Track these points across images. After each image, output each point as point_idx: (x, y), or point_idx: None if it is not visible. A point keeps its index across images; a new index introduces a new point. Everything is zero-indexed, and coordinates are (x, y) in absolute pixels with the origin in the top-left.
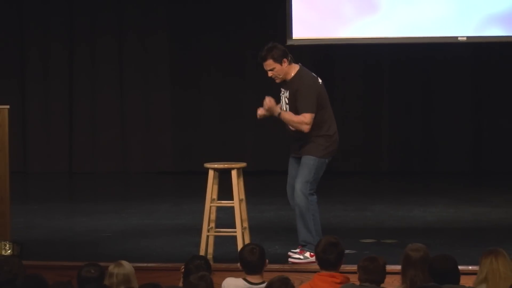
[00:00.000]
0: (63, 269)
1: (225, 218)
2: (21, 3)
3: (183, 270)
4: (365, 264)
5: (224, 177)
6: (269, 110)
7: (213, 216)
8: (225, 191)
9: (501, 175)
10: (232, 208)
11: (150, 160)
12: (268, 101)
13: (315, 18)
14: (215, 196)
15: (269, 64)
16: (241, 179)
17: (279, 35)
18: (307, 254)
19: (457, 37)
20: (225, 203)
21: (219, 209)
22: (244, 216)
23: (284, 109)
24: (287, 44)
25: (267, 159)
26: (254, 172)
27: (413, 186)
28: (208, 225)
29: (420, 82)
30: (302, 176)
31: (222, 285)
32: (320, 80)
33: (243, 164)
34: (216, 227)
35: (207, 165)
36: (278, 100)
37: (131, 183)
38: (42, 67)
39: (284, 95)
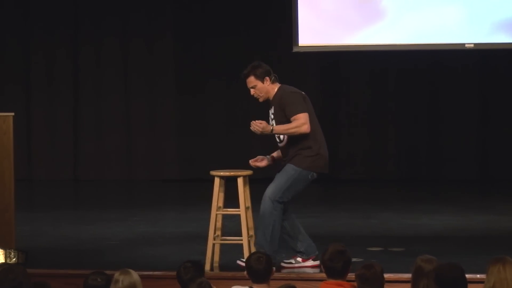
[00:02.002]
0: (68, 277)
1: (231, 226)
2: (26, 9)
3: None
4: (362, 272)
5: (230, 185)
6: (263, 132)
7: (219, 224)
8: (231, 199)
9: (508, 182)
10: (238, 216)
11: (156, 168)
12: (258, 125)
13: (322, 25)
14: (221, 204)
15: (251, 81)
16: (247, 186)
17: (285, 42)
18: (299, 259)
19: (464, 44)
20: (231, 211)
21: (225, 217)
22: (251, 224)
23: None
24: (293, 51)
25: (274, 167)
26: (260, 179)
27: (420, 194)
28: (214, 233)
29: (427, 89)
30: (277, 182)
31: None
32: (304, 94)
33: (249, 172)
34: (222, 235)
35: (213, 172)
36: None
37: (137, 191)
38: (47, 73)
39: (270, 113)
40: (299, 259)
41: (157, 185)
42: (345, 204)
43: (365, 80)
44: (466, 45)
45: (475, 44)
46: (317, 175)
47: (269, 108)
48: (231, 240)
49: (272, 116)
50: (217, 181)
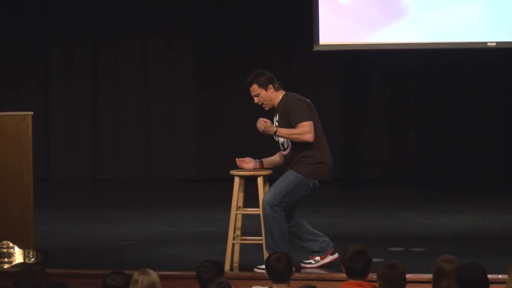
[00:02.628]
0: (87, 277)
1: (251, 225)
2: (45, 8)
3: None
4: (385, 272)
5: (250, 184)
6: (265, 131)
7: (239, 224)
8: (251, 199)
9: None
10: (258, 215)
11: (175, 167)
12: (262, 123)
13: (342, 23)
14: (241, 203)
15: (254, 89)
16: (267, 186)
17: (305, 41)
18: (318, 257)
19: (486, 42)
20: (251, 210)
21: (245, 216)
22: None
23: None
24: (313, 49)
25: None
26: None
27: (441, 194)
28: (234, 232)
29: (448, 88)
30: (276, 186)
31: None
32: (309, 101)
33: (269, 172)
34: (242, 234)
35: (233, 172)
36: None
37: (156, 191)
38: (66, 72)
39: (275, 120)
40: (317, 258)
41: (176, 185)
42: (365, 204)
43: (386, 79)
44: (488, 44)
45: (497, 42)
46: (320, 184)
47: (274, 115)
48: (251, 240)
49: (277, 124)
50: (236, 180)
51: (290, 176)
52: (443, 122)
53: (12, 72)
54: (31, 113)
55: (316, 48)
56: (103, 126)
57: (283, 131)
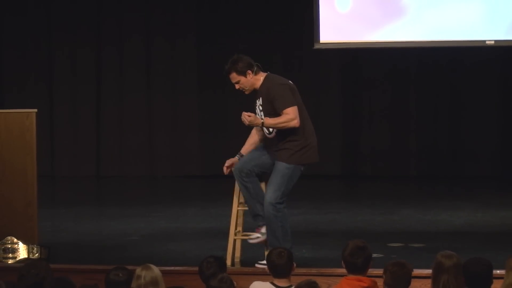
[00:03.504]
0: (90, 273)
1: (252, 222)
2: (49, 7)
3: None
4: (395, 269)
5: None
6: (251, 124)
7: (240, 220)
8: None
9: None
10: None
11: (178, 164)
12: (246, 117)
13: (343, 22)
14: (242, 199)
15: (234, 77)
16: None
17: (306, 39)
18: (264, 229)
19: (485, 40)
20: None
21: (247, 212)
22: None
23: (260, 117)
24: (314, 47)
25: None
26: None
27: (440, 191)
28: (236, 228)
29: (447, 86)
30: (274, 185)
31: None
32: (292, 83)
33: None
34: (244, 230)
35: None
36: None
37: (159, 187)
38: (70, 71)
39: (258, 103)
40: (263, 230)
41: (179, 181)
42: (366, 200)
43: (386, 76)
44: (487, 42)
45: (495, 41)
46: (308, 165)
47: (256, 98)
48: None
49: (261, 108)
50: None
51: (282, 169)
52: (442, 120)
53: (18, 71)
54: (35, 110)
55: (317, 46)
56: (107, 123)
57: (270, 121)
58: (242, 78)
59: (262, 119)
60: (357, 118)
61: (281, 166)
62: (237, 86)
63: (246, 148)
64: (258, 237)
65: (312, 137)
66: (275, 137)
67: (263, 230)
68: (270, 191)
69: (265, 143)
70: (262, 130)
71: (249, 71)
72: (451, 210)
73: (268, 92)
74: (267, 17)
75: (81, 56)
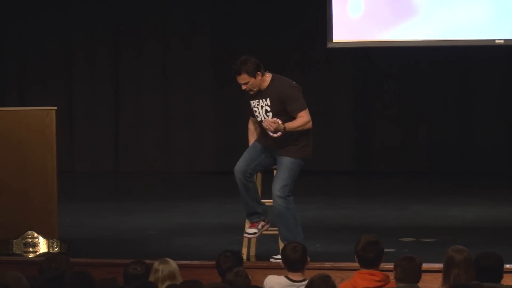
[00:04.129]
0: (109, 267)
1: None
2: (69, 7)
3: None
4: (403, 263)
5: (266, 177)
6: (276, 130)
7: None
8: (267, 191)
9: None
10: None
11: (194, 160)
12: (272, 125)
13: (355, 21)
14: (259, 195)
15: (244, 78)
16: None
17: (319, 38)
18: (262, 223)
19: (494, 40)
20: (267, 202)
21: None
22: None
23: (265, 117)
24: (327, 46)
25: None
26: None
27: (451, 186)
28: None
29: (457, 84)
30: (281, 179)
31: (265, 282)
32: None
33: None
34: None
35: None
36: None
37: (175, 183)
38: (88, 69)
39: (262, 104)
40: (260, 226)
41: (195, 177)
42: (377, 196)
43: (397, 74)
44: (496, 41)
45: (504, 40)
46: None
47: (258, 98)
48: (267, 230)
49: (269, 108)
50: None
51: (289, 164)
52: (453, 117)
53: (38, 70)
54: (55, 108)
55: (330, 45)
56: (125, 120)
57: (290, 126)
58: (252, 80)
59: (283, 124)
60: (369, 115)
61: (287, 161)
62: (244, 87)
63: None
64: (255, 233)
65: (312, 135)
66: (282, 136)
67: (260, 226)
68: (278, 185)
69: (266, 142)
70: (261, 128)
71: (259, 72)
72: (462, 205)
73: (281, 93)
74: (280, 16)
75: (99, 55)
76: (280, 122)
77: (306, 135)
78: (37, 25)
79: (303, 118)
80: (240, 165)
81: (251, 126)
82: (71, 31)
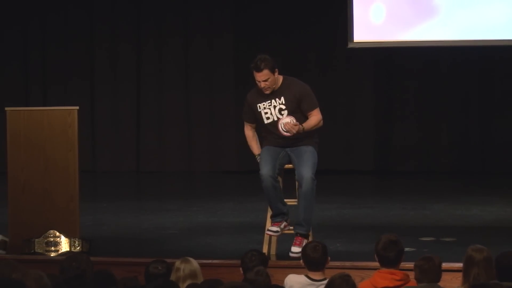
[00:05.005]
0: (130, 265)
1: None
2: (91, 7)
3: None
4: (421, 263)
5: (287, 176)
6: (298, 132)
7: None
8: (288, 189)
9: None
10: (294, 206)
11: (215, 160)
12: (295, 128)
13: (376, 21)
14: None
15: (265, 74)
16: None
17: (340, 38)
18: (285, 223)
19: None
20: (288, 201)
21: None
22: None
23: (278, 117)
24: (348, 46)
25: (328, 159)
26: (318, 171)
27: (471, 186)
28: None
29: (478, 83)
30: (309, 162)
31: (285, 281)
32: None
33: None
34: None
35: None
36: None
37: (196, 182)
38: (110, 69)
39: (275, 103)
40: (282, 226)
41: (216, 177)
42: (398, 196)
43: (418, 74)
44: None
45: None
46: None
47: (271, 98)
48: (288, 230)
49: (283, 107)
50: None
51: (310, 149)
52: (473, 116)
53: (60, 70)
54: (77, 107)
55: (350, 45)
56: (146, 120)
57: (308, 126)
58: (272, 76)
59: (302, 125)
60: (390, 115)
61: (309, 148)
62: (263, 84)
63: (257, 148)
64: (277, 231)
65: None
66: (294, 135)
67: (282, 225)
68: (307, 168)
69: (277, 142)
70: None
71: (276, 70)
72: (482, 205)
73: (297, 91)
74: (301, 16)
75: (121, 54)
76: (299, 124)
77: (316, 131)
78: (59, 25)
79: (317, 117)
80: (266, 168)
81: (249, 132)
82: (93, 31)
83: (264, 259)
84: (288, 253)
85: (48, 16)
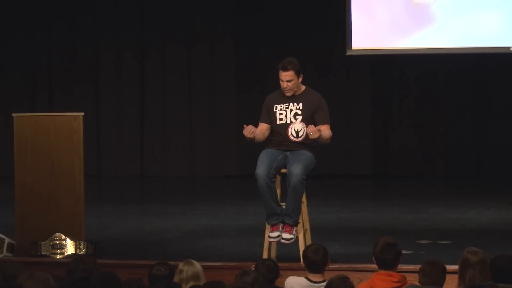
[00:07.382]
0: (134, 268)
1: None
2: (95, 15)
3: (253, 267)
4: (424, 267)
5: (285, 181)
6: (314, 137)
7: None
8: (286, 193)
9: None
10: None
11: (217, 164)
12: (316, 132)
13: (374, 29)
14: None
15: (290, 74)
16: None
17: (339, 45)
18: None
19: (509, 47)
20: (284, 204)
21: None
22: (305, 217)
23: (292, 120)
24: (347, 54)
25: (327, 163)
26: (315, 175)
27: (467, 190)
28: None
29: (473, 89)
30: (302, 162)
31: (285, 283)
32: None
33: None
34: None
35: None
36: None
37: (199, 186)
38: (115, 75)
39: (292, 107)
40: (294, 232)
41: (218, 181)
42: (395, 199)
43: (415, 80)
44: (511, 49)
45: None
46: None
47: (290, 101)
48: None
49: (299, 112)
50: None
51: (307, 153)
52: (469, 121)
53: (66, 76)
54: (82, 113)
55: (349, 52)
56: (150, 125)
57: (324, 135)
58: (295, 79)
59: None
60: (387, 120)
61: (306, 152)
62: (286, 84)
63: (256, 135)
64: (278, 236)
65: None
66: (301, 140)
67: (280, 228)
68: (299, 166)
69: (281, 146)
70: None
71: (301, 75)
72: (477, 208)
73: (315, 102)
74: (301, 24)
75: (125, 61)
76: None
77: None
78: (65, 32)
79: (330, 132)
80: (262, 168)
81: (261, 128)
82: (98, 38)
83: (276, 270)
84: (288, 257)
85: (54, 23)
